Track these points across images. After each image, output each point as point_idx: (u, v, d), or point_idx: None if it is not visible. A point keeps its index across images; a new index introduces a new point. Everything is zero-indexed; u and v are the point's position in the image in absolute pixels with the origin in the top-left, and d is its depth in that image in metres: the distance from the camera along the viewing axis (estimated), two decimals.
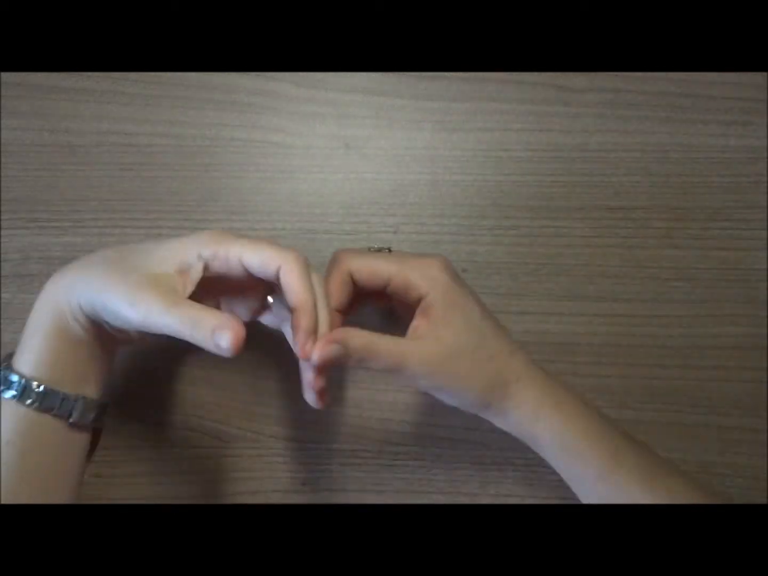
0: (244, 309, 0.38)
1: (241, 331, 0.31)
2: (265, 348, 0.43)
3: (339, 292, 0.37)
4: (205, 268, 0.35)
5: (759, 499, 0.41)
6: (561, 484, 0.42)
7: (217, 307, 0.38)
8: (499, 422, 0.37)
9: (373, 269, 0.37)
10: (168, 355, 0.42)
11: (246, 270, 0.35)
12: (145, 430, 0.42)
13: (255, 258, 0.34)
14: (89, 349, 0.36)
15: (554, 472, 0.42)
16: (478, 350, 0.36)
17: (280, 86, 0.45)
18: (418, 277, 0.36)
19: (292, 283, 0.34)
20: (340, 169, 0.45)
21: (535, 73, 0.45)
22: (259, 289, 0.38)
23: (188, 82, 0.45)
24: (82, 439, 0.37)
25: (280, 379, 0.43)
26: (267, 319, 0.39)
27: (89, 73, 0.45)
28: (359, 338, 0.34)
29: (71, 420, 0.35)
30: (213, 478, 0.42)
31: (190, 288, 0.34)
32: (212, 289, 0.37)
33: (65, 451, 0.36)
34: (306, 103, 0.45)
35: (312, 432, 0.42)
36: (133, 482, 0.42)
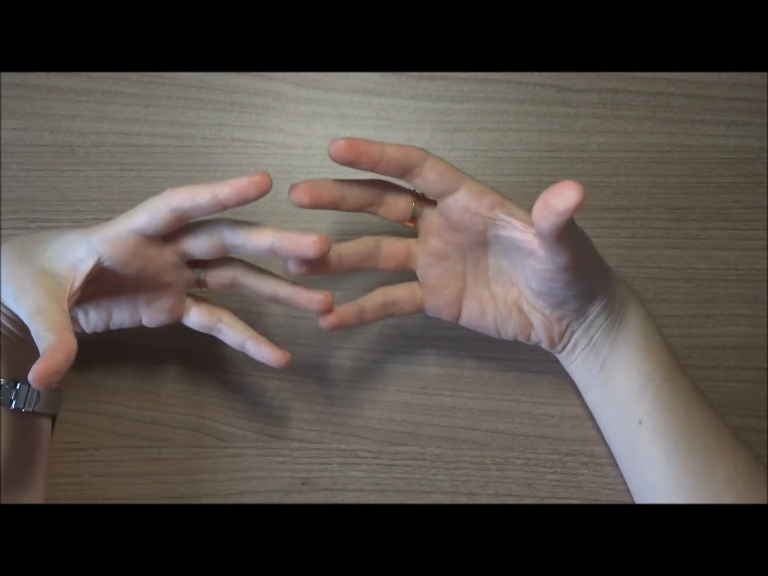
0: (159, 308, 0.38)
1: (46, 371, 0.29)
2: None
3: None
4: (98, 262, 0.34)
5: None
6: (561, 484, 0.42)
7: (135, 308, 0.37)
8: (603, 302, 0.37)
9: (451, 165, 0.36)
10: (168, 354, 0.42)
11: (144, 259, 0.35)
12: (145, 429, 0.42)
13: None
14: (21, 335, 0.36)
15: (554, 472, 0.42)
16: None
17: (280, 86, 0.45)
18: (490, 187, 0.36)
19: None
20: (340, 169, 0.44)
21: (535, 73, 0.45)
22: (169, 287, 0.37)
23: (188, 82, 0.45)
24: (32, 425, 0.37)
25: (280, 379, 0.43)
26: (193, 322, 0.39)
27: (89, 73, 0.45)
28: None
29: (13, 406, 0.36)
30: (213, 478, 0.42)
31: (78, 283, 0.34)
32: (119, 285, 0.36)
33: (14, 437, 0.36)
34: (306, 103, 0.45)
35: (312, 432, 0.42)
36: (133, 482, 0.42)
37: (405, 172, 0.35)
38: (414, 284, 0.39)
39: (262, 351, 0.38)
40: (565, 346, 0.39)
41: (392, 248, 0.38)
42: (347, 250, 0.37)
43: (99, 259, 0.34)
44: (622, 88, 0.45)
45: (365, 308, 0.38)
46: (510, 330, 0.39)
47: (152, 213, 0.35)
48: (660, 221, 0.44)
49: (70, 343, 0.31)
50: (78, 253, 0.34)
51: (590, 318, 0.37)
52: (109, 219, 0.44)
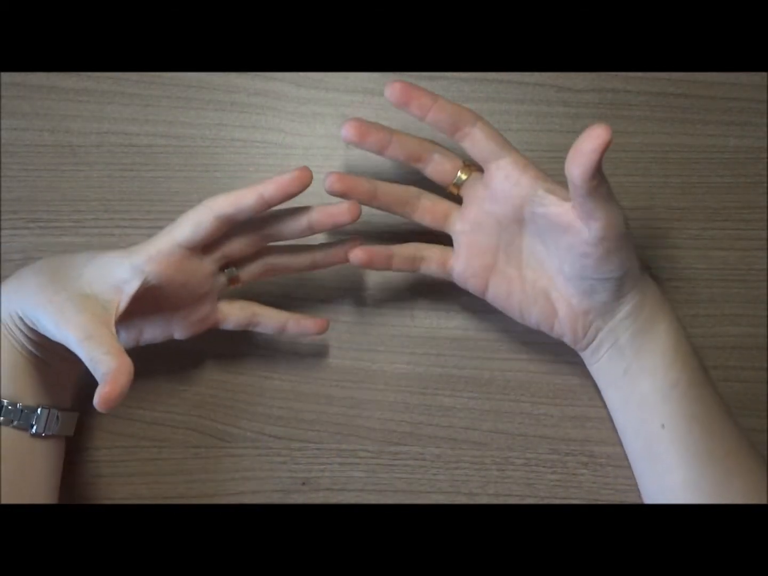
0: (195, 320, 0.38)
1: (112, 394, 0.30)
2: (265, 347, 0.43)
3: None
4: (145, 282, 0.35)
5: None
6: (561, 484, 0.42)
7: (168, 324, 0.38)
8: (632, 305, 0.37)
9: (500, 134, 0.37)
10: (168, 354, 0.42)
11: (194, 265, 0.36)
12: (145, 429, 0.42)
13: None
14: (44, 358, 0.36)
15: (554, 472, 0.42)
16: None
17: (280, 86, 0.45)
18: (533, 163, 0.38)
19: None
20: (340, 169, 0.45)
21: (535, 73, 0.45)
22: (204, 296, 0.38)
23: (188, 82, 0.45)
24: (49, 448, 0.37)
25: (280, 379, 0.43)
26: (230, 324, 0.39)
27: (89, 73, 0.45)
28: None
29: (33, 431, 0.35)
30: (213, 478, 0.42)
31: (123, 306, 0.34)
32: (158, 303, 0.37)
33: (32, 461, 0.36)
34: (306, 103, 0.45)
35: (312, 432, 0.42)
36: (133, 482, 0.42)
37: (454, 128, 0.36)
38: (447, 249, 0.39)
39: (302, 325, 0.40)
40: (589, 344, 0.39)
41: (432, 203, 0.39)
42: (386, 187, 0.38)
43: (145, 278, 0.34)
44: (622, 88, 0.45)
45: (395, 255, 0.39)
46: (534, 316, 0.39)
47: (196, 224, 0.35)
48: (660, 221, 0.44)
49: (130, 365, 0.31)
50: (121, 274, 0.34)
51: (618, 317, 0.37)
52: (110, 219, 0.44)
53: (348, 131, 0.36)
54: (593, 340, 0.38)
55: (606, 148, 0.31)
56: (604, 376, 0.40)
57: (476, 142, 0.36)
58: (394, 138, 0.37)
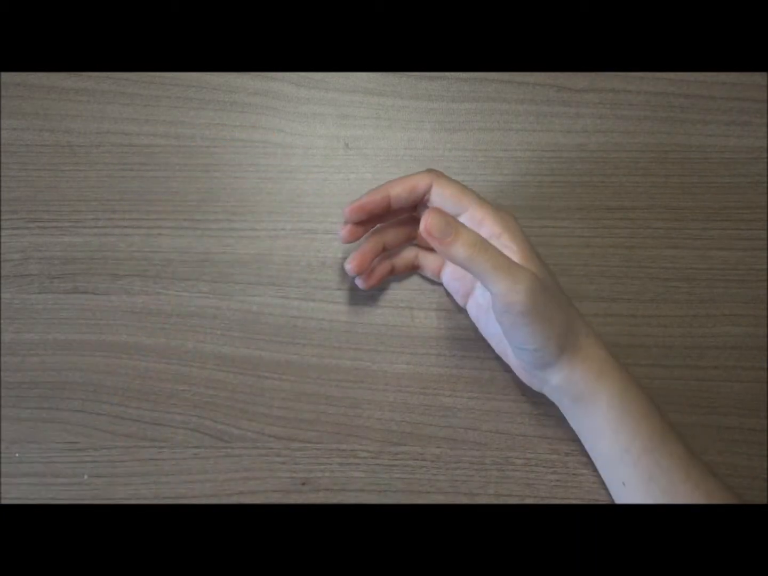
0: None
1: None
2: (265, 348, 0.43)
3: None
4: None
5: (759, 499, 0.41)
6: (561, 484, 0.42)
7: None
8: (560, 378, 0.37)
9: (458, 189, 0.38)
10: (168, 354, 0.42)
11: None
12: (145, 429, 0.42)
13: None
14: None
15: (554, 472, 0.42)
16: (558, 293, 0.37)
17: (280, 86, 0.45)
18: (495, 215, 0.37)
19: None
20: (340, 169, 0.45)
21: (535, 73, 0.45)
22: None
23: (188, 82, 0.45)
24: None
25: (280, 379, 0.43)
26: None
27: (89, 73, 0.45)
28: (472, 236, 0.34)
29: None
30: (213, 478, 0.42)
31: None
32: None
33: None
34: (306, 103, 0.45)
35: (312, 432, 0.42)
36: (133, 482, 0.42)
37: (415, 201, 0.39)
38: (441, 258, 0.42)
39: None
40: (540, 392, 0.40)
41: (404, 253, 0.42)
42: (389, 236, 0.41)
43: None
44: (622, 88, 0.45)
45: (396, 266, 0.42)
46: (494, 347, 0.41)
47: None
48: (660, 221, 0.44)
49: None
50: None
51: (551, 385, 0.38)
52: (110, 219, 0.44)
53: (351, 269, 0.40)
54: (542, 391, 0.40)
55: (436, 232, 0.34)
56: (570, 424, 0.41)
57: (435, 204, 0.38)
58: (385, 239, 0.41)
